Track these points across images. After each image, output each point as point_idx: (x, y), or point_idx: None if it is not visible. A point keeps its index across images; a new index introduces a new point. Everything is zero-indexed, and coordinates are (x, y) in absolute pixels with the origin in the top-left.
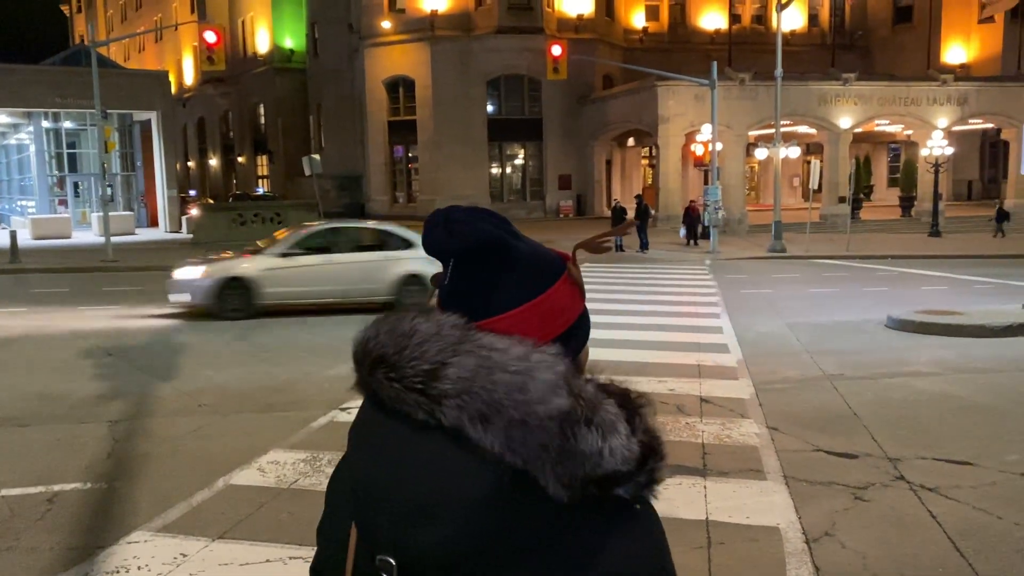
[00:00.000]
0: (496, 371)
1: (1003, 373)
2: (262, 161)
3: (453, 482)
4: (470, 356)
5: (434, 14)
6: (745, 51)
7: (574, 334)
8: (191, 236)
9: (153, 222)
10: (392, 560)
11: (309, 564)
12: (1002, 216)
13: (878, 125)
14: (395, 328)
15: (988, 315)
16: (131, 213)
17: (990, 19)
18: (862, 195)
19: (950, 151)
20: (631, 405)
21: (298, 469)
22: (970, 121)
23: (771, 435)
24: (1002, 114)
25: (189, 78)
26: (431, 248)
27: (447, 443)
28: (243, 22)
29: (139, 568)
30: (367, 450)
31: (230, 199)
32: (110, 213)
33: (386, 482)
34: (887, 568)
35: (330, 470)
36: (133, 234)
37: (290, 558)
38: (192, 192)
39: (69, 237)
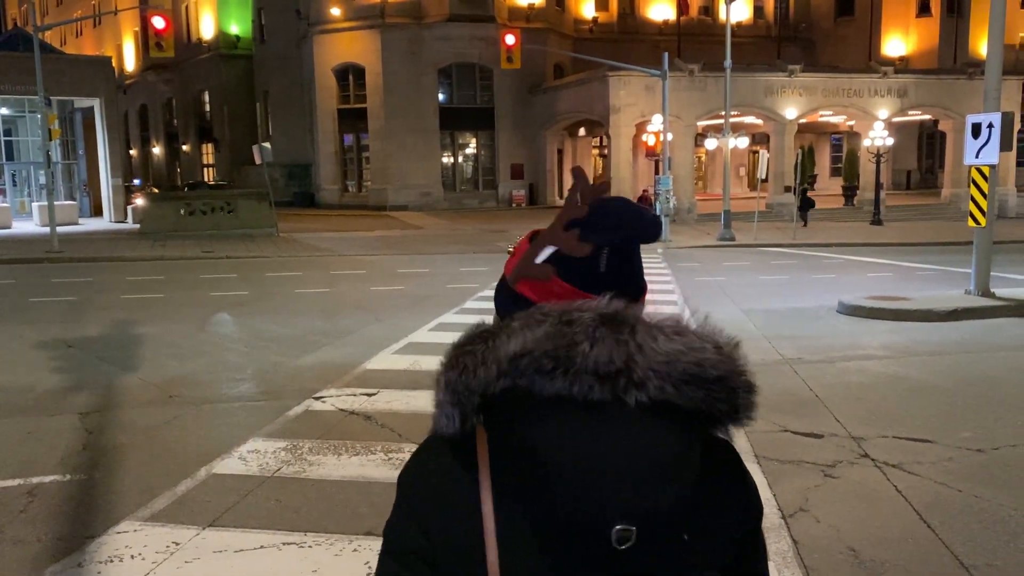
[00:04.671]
0: (675, 340)
1: (950, 355)
2: (207, 149)
3: (667, 443)
4: (648, 336)
5: (384, 1)
6: (693, 42)
7: None
8: (138, 226)
9: (97, 211)
10: (632, 527)
11: (301, 550)
12: (807, 204)
13: (822, 116)
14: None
15: (933, 300)
16: (74, 202)
17: (927, 13)
18: (806, 184)
19: (890, 142)
20: None
21: (280, 457)
22: (909, 112)
23: None
24: (939, 106)
25: (130, 64)
26: (635, 237)
27: (649, 411)
28: (187, 7)
29: (132, 557)
30: (582, 437)
31: (185, 188)
32: (53, 203)
33: (615, 458)
34: (861, 540)
35: (311, 458)
36: (77, 224)
37: (283, 544)
38: (136, 181)
39: (9, 227)
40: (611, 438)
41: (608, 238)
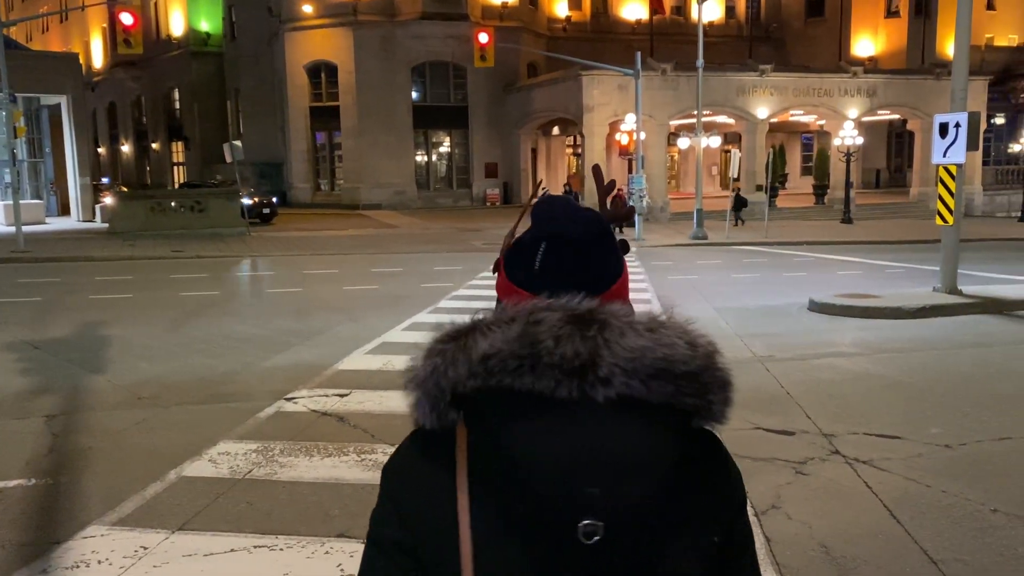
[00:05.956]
0: (644, 336)
1: (919, 352)
2: (177, 147)
3: (636, 439)
4: (616, 333)
5: None
6: (665, 41)
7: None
8: (107, 225)
9: (64, 211)
10: (600, 521)
11: (273, 553)
12: (740, 204)
13: (792, 115)
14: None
15: (902, 298)
16: (41, 201)
17: (896, 14)
18: (777, 183)
19: (860, 141)
20: None
21: (251, 459)
22: (878, 112)
23: None
24: (908, 105)
25: (98, 61)
26: (557, 235)
27: (619, 408)
28: (155, 3)
29: (99, 562)
30: (552, 434)
31: (182, 186)
32: (19, 202)
33: (583, 454)
34: (832, 536)
35: (283, 460)
36: (44, 223)
37: (254, 547)
38: (105, 179)
39: None
40: (580, 435)
41: (533, 233)
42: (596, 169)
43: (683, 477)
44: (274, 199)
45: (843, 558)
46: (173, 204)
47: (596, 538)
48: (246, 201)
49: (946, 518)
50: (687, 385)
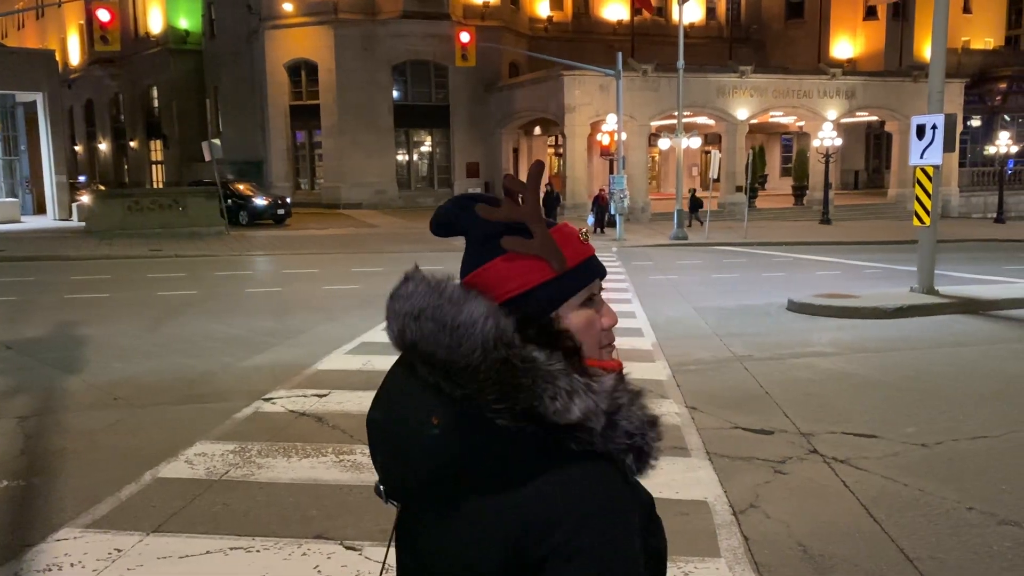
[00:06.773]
0: (432, 309)
1: (897, 352)
2: (156, 146)
3: (416, 421)
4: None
5: None
6: (646, 42)
7: (526, 300)
8: (83, 224)
9: (40, 209)
10: (385, 488)
11: (249, 554)
12: (695, 205)
13: (772, 116)
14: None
15: (880, 298)
16: (16, 200)
17: (874, 16)
18: (757, 184)
19: (839, 142)
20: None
21: (227, 460)
22: (857, 113)
23: (691, 414)
24: (886, 107)
25: (75, 58)
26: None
27: (415, 388)
28: (134, 0)
29: (72, 565)
30: (378, 396)
31: (194, 184)
32: None
33: (380, 423)
34: (810, 535)
35: (260, 461)
36: (19, 222)
37: (230, 549)
38: (82, 178)
39: None
40: (392, 405)
41: None
42: (538, 165)
43: (485, 478)
44: (287, 199)
45: (821, 556)
46: (151, 202)
47: (388, 502)
48: (260, 201)
49: (922, 516)
50: (454, 372)
